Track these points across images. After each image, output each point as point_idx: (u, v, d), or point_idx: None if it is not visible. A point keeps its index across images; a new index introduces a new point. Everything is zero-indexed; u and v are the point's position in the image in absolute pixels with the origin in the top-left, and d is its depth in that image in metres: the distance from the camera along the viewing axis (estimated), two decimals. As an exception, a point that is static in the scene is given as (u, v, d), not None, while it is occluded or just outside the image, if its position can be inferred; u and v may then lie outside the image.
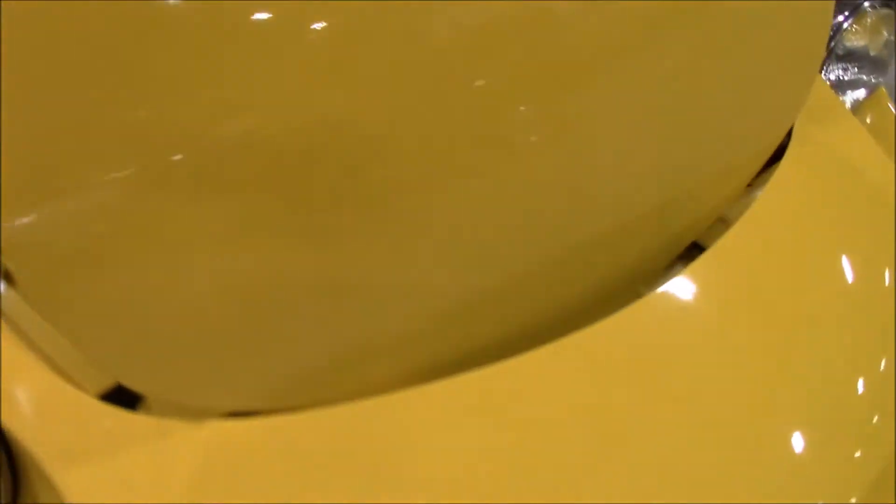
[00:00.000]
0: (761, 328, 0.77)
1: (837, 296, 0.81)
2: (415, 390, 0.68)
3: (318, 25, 0.60)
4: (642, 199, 0.82)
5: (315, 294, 0.66)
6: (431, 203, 0.68)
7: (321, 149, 0.61)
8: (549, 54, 0.70)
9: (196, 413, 0.64)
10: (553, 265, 0.79)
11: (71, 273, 0.57)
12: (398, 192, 0.66)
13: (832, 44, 1.07)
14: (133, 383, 0.62)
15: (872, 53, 1.11)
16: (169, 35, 0.56)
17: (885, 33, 1.10)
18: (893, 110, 1.10)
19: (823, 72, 1.08)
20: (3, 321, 0.64)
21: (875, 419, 0.74)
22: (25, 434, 0.60)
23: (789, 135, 0.93)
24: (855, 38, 1.08)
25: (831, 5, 0.92)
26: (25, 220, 0.54)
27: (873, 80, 1.12)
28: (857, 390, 0.76)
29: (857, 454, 0.72)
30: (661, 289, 0.76)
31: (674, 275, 0.78)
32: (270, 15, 0.58)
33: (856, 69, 1.10)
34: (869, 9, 1.08)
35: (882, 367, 0.77)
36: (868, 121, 1.10)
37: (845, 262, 0.85)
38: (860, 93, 1.11)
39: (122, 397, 0.64)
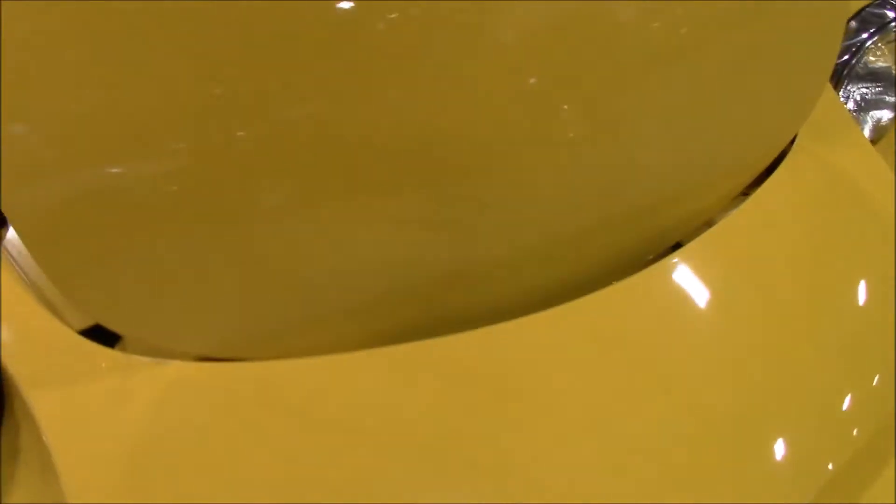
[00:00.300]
0: (724, 326, 0.76)
1: (808, 301, 0.80)
2: (378, 351, 0.71)
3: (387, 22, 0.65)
4: (638, 194, 0.84)
5: (289, 251, 0.70)
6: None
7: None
8: (586, 63, 0.75)
9: (167, 355, 0.69)
10: (553, 247, 0.81)
11: (60, 220, 0.63)
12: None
13: (854, 61, 1.05)
14: (109, 324, 0.68)
15: None
16: None
17: None
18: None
19: (844, 90, 1.06)
20: (4, 260, 0.71)
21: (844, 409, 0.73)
22: (10, 359, 0.67)
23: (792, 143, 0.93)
24: (878, 57, 1.06)
25: (842, 21, 0.92)
26: (24, 167, 0.60)
27: None
28: (817, 391, 0.74)
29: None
30: (628, 279, 0.77)
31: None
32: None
33: (879, 89, 1.07)
34: (895, 28, 1.06)
35: (840, 369, 0.75)
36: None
37: (825, 270, 0.83)
38: (884, 113, 1.08)
39: (103, 335, 0.70)
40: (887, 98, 1.07)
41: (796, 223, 0.86)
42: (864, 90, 1.07)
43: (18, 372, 0.66)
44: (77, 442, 0.63)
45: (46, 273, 0.65)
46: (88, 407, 0.65)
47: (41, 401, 0.65)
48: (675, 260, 0.79)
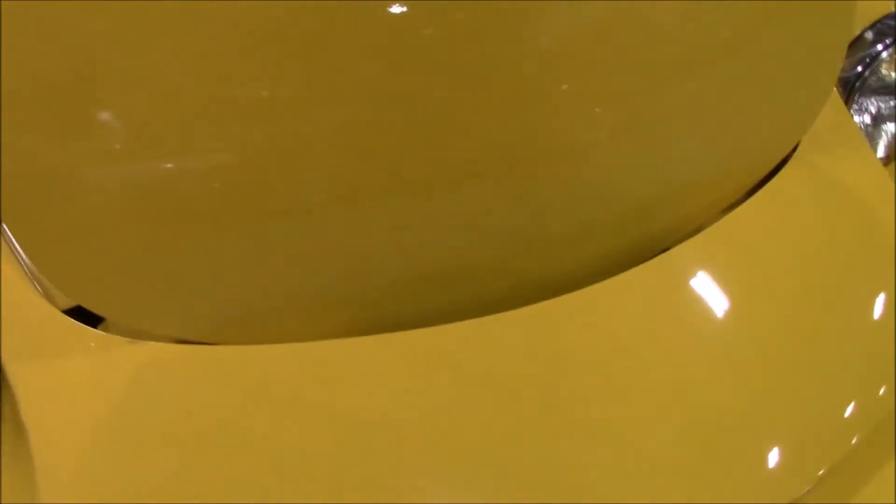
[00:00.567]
0: (712, 325, 0.76)
1: (793, 308, 0.78)
2: (358, 339, 0.72)
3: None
4: (631, 198, 0.84)
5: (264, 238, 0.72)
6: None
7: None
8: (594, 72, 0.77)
9: (149, 337, 0.71)
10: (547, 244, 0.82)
11: (40, 202, 0.66)
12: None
13: (868, 73, 1.02)
14: (87, 305, 0.70)
15: None
16: None
17: None
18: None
19: (856, 103, 1.03)
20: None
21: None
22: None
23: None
24: (893, 69, 1.03)
25: (846, 32, 0.90)
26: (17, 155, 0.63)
27: None
28: (807, 394, 0.73)
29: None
30: (613, 278, 0.76)
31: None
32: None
33: (894, 102, 1.04)
34: (912, 39, 1.03)
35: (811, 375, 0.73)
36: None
37: (814, 276, 0.81)
38: (897, 126, 1.05)
39: (88, 315, 0.72)
40: (903, 111, 1.04)
41: (789, 230, 0.84)
42: (880, 103, 1.04)
43: (3, 345, 0.69)
44: (49, 413, 0.66)
45: (27, 255, 0.68)
46: (64, 381, 0.68)
47: (19, 373, 0.67)
48: (668, 259, 0.79)
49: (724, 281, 0.79)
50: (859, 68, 1.02)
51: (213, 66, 0.65)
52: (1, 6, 0.59)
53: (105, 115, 0.64)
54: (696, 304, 0.78)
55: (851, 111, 1.03)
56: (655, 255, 0.82)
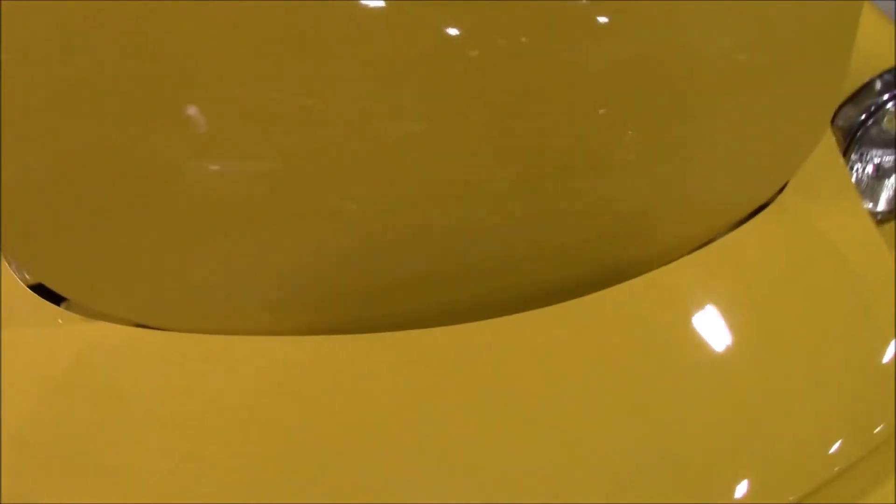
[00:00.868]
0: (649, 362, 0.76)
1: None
2: (302, 339, 0.75)
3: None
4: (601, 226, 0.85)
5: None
6: None
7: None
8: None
9: (107, 319, 0.75)
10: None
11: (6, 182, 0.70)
12: None
13: (871, 122, 0.99)
14: (49, 284, 0.75)
15: None
16: None
17: None
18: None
19: (857, 153, 1.00)
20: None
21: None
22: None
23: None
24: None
25: (841, 78, 0.88)
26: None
27: None
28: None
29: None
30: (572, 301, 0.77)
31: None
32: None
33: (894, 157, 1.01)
34: (921, 92, 0.99)
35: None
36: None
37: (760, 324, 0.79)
38: (901, 180, 1.01)
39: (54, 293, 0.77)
40: (906, 166, 1.01)
41: (758, 270, 0.84)
42: (884, 156, 1.01)
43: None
44: (4, 374, 0.70)
45: None
46: (19, 348, 0.72)
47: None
48: (615, 291, 0.79)
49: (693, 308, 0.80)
50: (863, 117, 0.99)
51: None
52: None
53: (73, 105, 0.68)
54: (658, 331, 0.79)
55: (852, 160, 1.00)
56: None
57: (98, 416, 0.69)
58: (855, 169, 1.00)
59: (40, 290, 0.77)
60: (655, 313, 0.80)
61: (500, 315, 0.77)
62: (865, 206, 1.01)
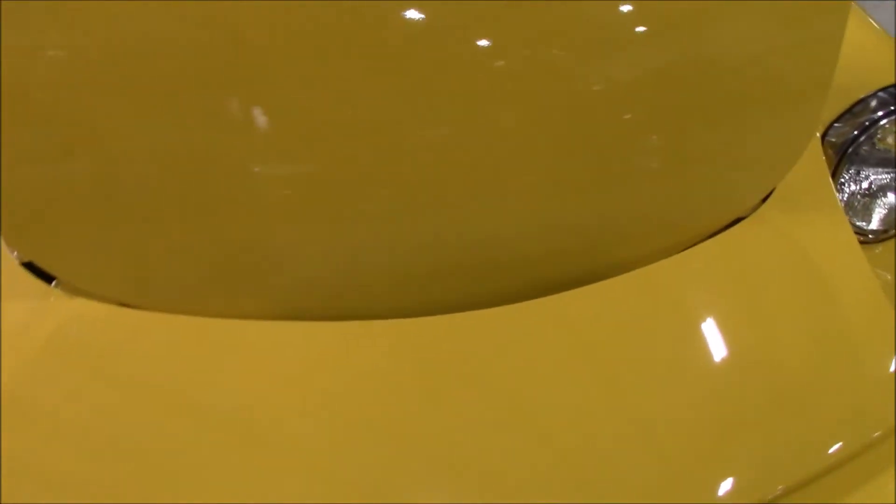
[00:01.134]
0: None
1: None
2: (275, 324, 0.78)
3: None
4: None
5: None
6: None
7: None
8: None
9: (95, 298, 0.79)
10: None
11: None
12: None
13: (863, 139, 0.98)
14: (38, 262, 0.79)
15: None
16: None
17: None
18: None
19: (848, 170, 0.99)
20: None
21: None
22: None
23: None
24: (889, 139, 0.98)
25: (822, 95, 0.88)
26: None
27: None
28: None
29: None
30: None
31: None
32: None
33: (887, 175, 0.99)
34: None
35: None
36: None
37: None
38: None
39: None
40: (898, 184, 0.99)
41: (733, 276, 0.85)
42: (876, 175, 1.00)
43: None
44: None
45: None
46: (7, 318, 0.76)
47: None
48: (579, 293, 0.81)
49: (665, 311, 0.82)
50: (854, 132, 0.98)
51: None
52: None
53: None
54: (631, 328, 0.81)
55: (843, 177, 0.99)
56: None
57: (75, 380, 0.73)
58: (846, 186, 0.99)
59: (33, 268, 0.82)
60: (633, 310, 0.82)
61: (492, 306, 0.79)
62: (859, 224, 1.01)
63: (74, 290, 0.80)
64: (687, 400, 0.76)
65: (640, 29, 0.81)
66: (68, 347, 0.75)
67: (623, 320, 0.81)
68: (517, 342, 0.78)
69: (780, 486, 0.71)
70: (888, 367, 0.82)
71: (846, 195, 1.00)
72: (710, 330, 0.80)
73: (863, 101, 0.99)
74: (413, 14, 0.73)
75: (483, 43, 0.76)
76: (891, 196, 1.00)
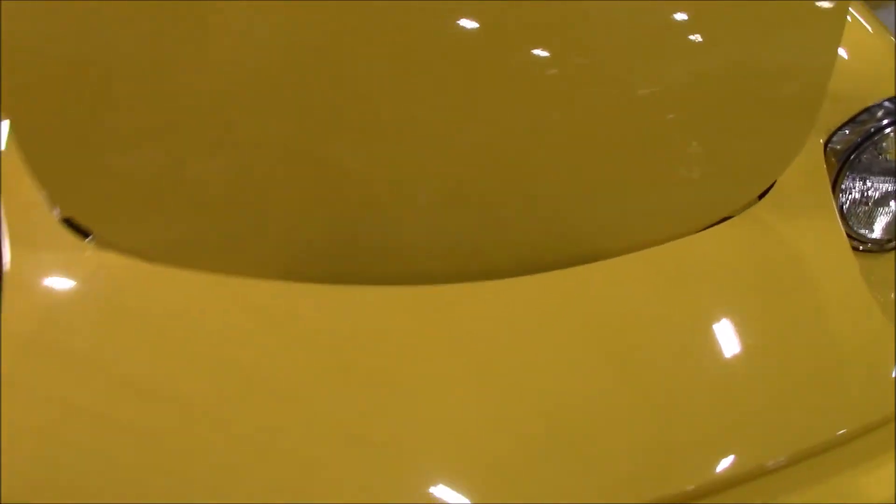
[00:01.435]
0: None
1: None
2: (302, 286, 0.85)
3: None
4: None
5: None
6: None
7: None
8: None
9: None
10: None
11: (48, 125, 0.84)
12: None
13: (867, 144, 0.99)
14: (77, 218, 0.88)
15: None
16: None
17: None
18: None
19: (848, 178, 1.00)
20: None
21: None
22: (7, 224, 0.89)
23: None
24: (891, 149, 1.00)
25: (819, 98, 0.90)
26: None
27: None
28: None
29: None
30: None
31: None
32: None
33: (889, 186, 1.00)
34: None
35: None
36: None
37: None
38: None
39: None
40: (903, 193, 1.00)
41: (719, 269, 0.89)
42: (879, 184, 1.01)
43: (6, 232, 0.88)
44: (22, 289, 0.83)
45: (26, 161, 0.85)
46: (41, 266, 0.85)
47: (16, 253, 0.86)
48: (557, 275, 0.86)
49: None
50: (859, 140, 0.99)
51: None
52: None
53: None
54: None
55: (845, 184, 1.01)
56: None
57: (99, 320, 0.82)
58: (848, 193, 1.01)
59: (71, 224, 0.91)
60: (615, 293, 0.87)
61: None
62: (861, 232, 1.02)
63: (106, 245, 0.88)
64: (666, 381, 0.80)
65: (648, 34, 0.87)
66: (96, 293, 0.84)
67: (606, 300, 0.86)
68: (513, 312, 0.84)
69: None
70: (871, 370, 0.85)
71: (848, 202, 1.01)
72: (691, 317, 0.84)
73: (868, 110, 1.00)
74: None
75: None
76: (893, 205, 1.01)
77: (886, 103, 1.00)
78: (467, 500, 0.71)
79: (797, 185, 0.95)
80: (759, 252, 0.89)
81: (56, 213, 0.90)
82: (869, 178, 1.00)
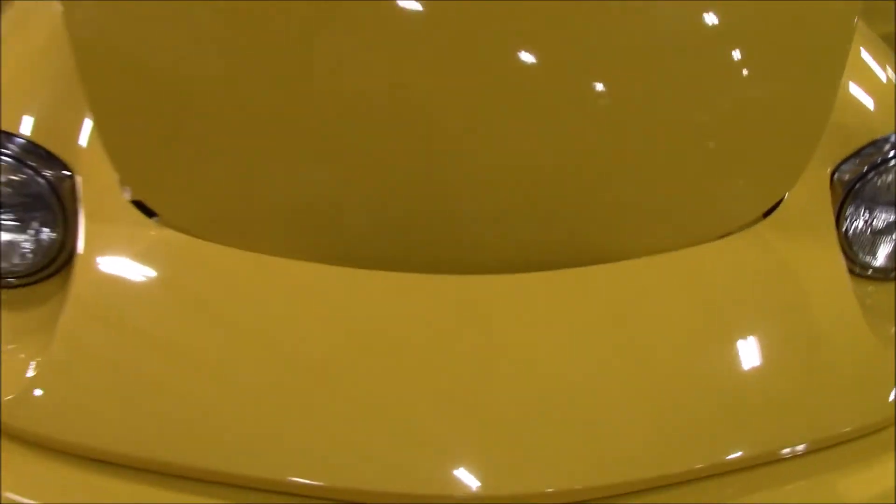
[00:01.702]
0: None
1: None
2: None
3: None
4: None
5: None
6: None
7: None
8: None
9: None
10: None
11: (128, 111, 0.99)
12: None
13: (872, 175, 1.04)
14: (145, 200, 1.02)
15: None
16: None
17: None
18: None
19: (853, 205, 1.05)
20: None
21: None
22: (83, 197, 1.03)
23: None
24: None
25: (823, 120, 0.97)
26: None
27: None
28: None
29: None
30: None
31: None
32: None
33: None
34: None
35: None
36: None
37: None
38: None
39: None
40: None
41: (716, 281, 0.96)
42: (884, 214, 1.05)
43: (84, 210, 1.02)
44: (93, 256, 0.97)
45: (105, 148, 0.99)
46: (107, 239, 0.99)
47: (90, 228, 1.00)
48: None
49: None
50: (865, 168, 1.04)
51: None
52: None
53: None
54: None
55: (849, 211, 1.05)
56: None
57: (156, 291, 0.96)
58: (852, 220, 1.05)
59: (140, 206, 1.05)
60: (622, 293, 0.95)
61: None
62: (865, 259, 1.06)
63: (170, 225, 1.02)
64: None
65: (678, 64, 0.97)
66: (157, 263, 0.98)
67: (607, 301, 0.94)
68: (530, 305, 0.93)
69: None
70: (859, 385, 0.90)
71: (852, 230, 1.05)
72: (692, 320, 0.93)
73: (874, 143, 1.05)
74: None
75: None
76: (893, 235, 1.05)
77: (893, 137, 1.05)
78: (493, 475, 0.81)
79: (801, 208, 1.01)
80: (759, 266, 0.96)
81: (127, 195, 1.05)
82: (873, 208, 1.05)
